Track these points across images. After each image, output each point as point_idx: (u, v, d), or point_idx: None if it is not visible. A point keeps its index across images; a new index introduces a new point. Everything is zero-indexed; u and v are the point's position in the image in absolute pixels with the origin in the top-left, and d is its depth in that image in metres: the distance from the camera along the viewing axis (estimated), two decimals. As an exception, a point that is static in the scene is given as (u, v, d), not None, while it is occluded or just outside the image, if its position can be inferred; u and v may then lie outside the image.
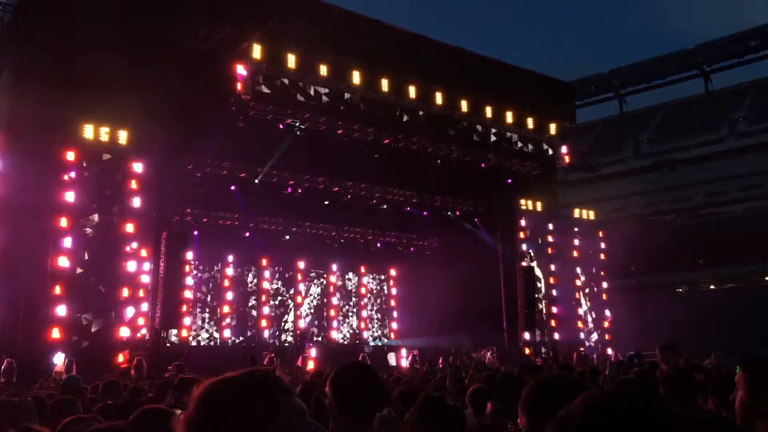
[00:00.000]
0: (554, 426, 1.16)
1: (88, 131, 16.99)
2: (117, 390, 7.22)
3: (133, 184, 17.69)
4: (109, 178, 17.46)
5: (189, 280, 23.83)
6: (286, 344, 25.21)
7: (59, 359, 15.49)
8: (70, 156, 16.80)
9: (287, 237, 25.51)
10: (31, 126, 15.76)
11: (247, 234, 24.75)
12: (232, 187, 21.71)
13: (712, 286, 36.30)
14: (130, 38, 17.05)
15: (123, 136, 17.42)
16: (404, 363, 23.96)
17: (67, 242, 16.40)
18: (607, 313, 27.64)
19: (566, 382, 2.06)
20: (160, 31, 17.78)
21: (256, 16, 18.36)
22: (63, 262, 16.29)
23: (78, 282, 16.50)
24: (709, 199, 43.83)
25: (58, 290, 16.12)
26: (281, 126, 19.93)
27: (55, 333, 15.89)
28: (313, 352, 23.33)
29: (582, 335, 26.58)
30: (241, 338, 25.20)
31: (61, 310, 16.03)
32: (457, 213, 26.54)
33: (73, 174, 16.75)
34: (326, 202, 23.86)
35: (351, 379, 2.75)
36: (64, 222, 16.43)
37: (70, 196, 16.59)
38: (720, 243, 34.93)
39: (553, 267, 26.48)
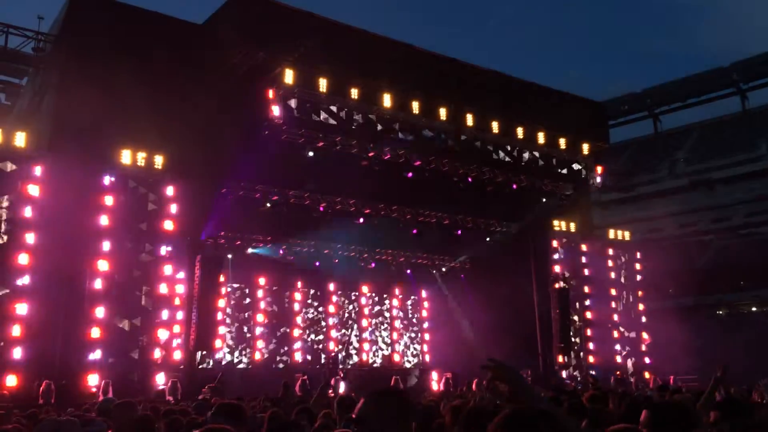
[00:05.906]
0: None
1: (125, 156, 17.39)
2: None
3: (172, 209, 17.99)
4: (145, 202, 17.79)
5: (222, 303, 24.04)
6: (318, 367, 25.15)
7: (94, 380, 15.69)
8: (108, 180, 17.20)
9: (318, 262, 25.60)
10: (72, 150, 16.18)
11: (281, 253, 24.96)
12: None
13: (753, 309, 35.26)
14: (166, 65, 17.48)
15: (159, 161, 17.79)
16: (435, 386, 23.71)
17: (104, 265, 16.67)
18: (645, 335, 26.98)
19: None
20: (195, 58, 18.21)
21: (288, 42, 18.63)
22: (99, 284, 16.56)
23: (113, 304, 16.73)
24: (748, 219, 42.82)
25: (94, 313, 16.36)
26: (312, 152, 20.17)
27: (92, 355, 16.11)
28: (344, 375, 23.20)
29: (619, 359, 25.97)
30: (278, 359, 25.24)
31: (96, 333, 16.26)
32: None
33: (110, 197, 17.10)
34: (358, 223, 23.91)
35: (379, 409, 2.53)
36: (101, 245, 16.75)
37: (107, 220, 16.92)
38: (762, 264, 33.97)
39: (588, 289, 26.01)
